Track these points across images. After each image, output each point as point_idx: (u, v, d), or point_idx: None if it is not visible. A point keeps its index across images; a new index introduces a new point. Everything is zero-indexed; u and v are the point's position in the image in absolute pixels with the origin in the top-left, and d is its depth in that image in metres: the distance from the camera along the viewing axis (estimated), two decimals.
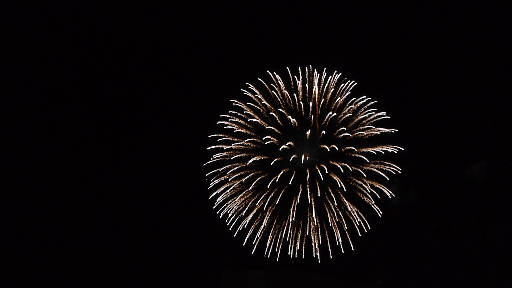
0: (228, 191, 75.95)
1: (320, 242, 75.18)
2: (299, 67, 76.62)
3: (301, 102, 75.14)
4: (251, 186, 74.64)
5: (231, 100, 76.62)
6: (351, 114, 75.01)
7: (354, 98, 75.26)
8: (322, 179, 73.90)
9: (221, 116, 75.73)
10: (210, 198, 75.30)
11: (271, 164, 74.52)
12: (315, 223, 75.06)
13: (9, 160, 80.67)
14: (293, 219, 74.71)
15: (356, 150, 74.67)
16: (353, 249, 74.59)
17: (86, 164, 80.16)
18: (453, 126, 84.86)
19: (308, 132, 74.53)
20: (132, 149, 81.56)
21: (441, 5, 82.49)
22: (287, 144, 74.54)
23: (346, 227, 74.56)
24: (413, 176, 77.75)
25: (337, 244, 74.74)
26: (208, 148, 75.14)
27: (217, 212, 75.30)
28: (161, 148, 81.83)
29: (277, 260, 75.21)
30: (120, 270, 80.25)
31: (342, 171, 73.95)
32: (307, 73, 76.37)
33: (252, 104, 76.26)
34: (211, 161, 75.47)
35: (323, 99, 74.97)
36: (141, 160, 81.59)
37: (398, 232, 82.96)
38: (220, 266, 74.87)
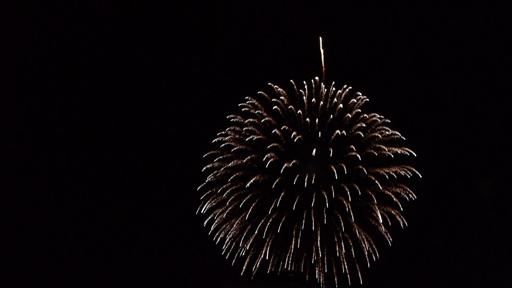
0: (224, 214, 69.37)
1: (326, 271, 68.41)
2: (305, 81, 70.95)
3: (307, 118, 68.77)
4: (249, 211, 67.94)
5: (229, 115, 70.58)
6: (361, 132, 68.60)
7: (365, 115, 69.14)
8: (328, 203, 67.15)
9: (218, 134, 69.91)
10: (205, 223, 68.95)
11: (273, 185, 67.68)
12: (320, 253, 68.06)
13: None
14: (297, 247, 67.78)
15: (366, 171, 67.96)
16: (361, 282, 68.03)
17: (82, 185, 74.91)
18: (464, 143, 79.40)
19: (314, 151, 67.90)
20: (127, 169, 76.29)
21: (455, 23, 77.98)
22: (291, 163, 67.76)
23: (354, 255, 68.20)
24: (427, 201, 71.44)
25: (343, 273, 68.29)
26: (204, 169, 69.27)
27: (213, 239, 69.17)
28: (153, 167, 75.90)
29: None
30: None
31: (351, 195, 67.23)
32: (313, 86, 70.62)
33: (253, 120, 70.05)
34: (206, 182, 69.35)
35: (331, 115, 68.69)
36: (137, 179, 76.19)
37: (408, 260, 76.62)
38: (219, 279, 68.25)
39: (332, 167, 67.48)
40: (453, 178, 76.38)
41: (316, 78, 71.02)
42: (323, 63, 74.51)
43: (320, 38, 74.87)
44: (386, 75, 76.18)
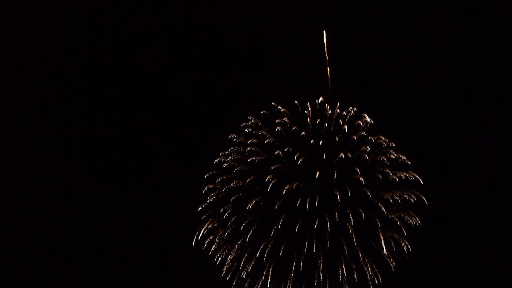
0: (225, 235, 68.26)
1: None
2: (309, 102, 69.79)
3: (311, 140, 67.53)
4: (250, 233, 66.75)
5: (231, 135, 69.45)
6: (366, 155, 67.36)
7: (370, 138, 67.84)
8: (331, 227, 65.87)
9: (220, 154, 68.75)
10: (205, 244, 67.88)
11: (275, 208, 66.47)
12: (322, 277, 66.81)
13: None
14: (299, 270, 66.46)
15: (370, 195, 66.69)
16: None
17: (82, 209, 74.21)
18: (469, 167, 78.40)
19: (318, 173, 66.67)
20: (126, 189, 75.15)
21: (464, 44, 77.21)
22: (293, 185, 66.56)
23: (356, 280, 66.79)
24: (432, 226, 70.13)
25: None
26: (205, 189, 68.18)
27: (214, 260, 68.01)
28: (154, 185, 74.94)
29: None
30: None
31: (354, 219, 66.03)
32: (318, 107, 69.44)
33: (256, 141, 68.91)
34: (207, 203, 68.32)
35: (335, 137, 67.44)
36: (136, 198, 75.17)
37: (412, 285, 75.47)
38: None
39: (336, 190, 66.40)
40: (458, 202, 75.07)
41: (321, 98, 70.15)
42: (329, 83, 73.68)
43: (326, 57, 73.99)
44: (392, 97, 74.95)
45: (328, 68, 74.23)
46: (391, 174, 67.22)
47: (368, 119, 68.41)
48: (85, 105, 77.02)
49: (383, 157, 67.63)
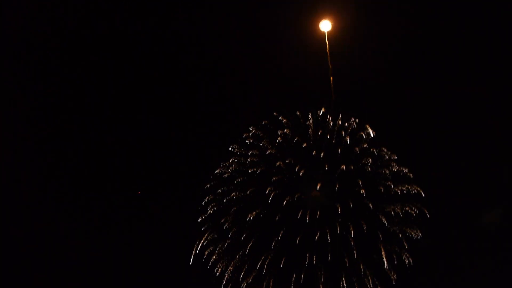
0: (225, 247, 67.72)
1: None
2: (310, 112, 69.25)
3: (313, 152, 67.01)
4: (251, 245, 66.20)
5: (232, 146, 68.92)
6: (367, 168, 66.85)
7: (373, 150, 67.32)
8: (332, 239, 65.35)
9: (221, 165, 68.21)
10: (204, 257, 67.35)
11: (275, 220, 65.95)
12: None
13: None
14: (299, 283, 65.82)
15: (371, 208, 66.18)
16: None
17: (80, 221, 73.65)
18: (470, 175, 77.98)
19: (319, 185, 66.16)
20: (126, 200, 74.72)
21: (470, 58, 76.85)
22: (294, 197, 66.05)
23: None
24: (434, 239, 69.65)
25: None
26: (205, 200, 67.63)
27: (213, 271, 67.41)
28: (153, 194, 74.57)
29: None
30: None
31: (356, 231, 65.52)
32: (319, 118, 68.93)
33: (256, 152, 68.39)
34: (207, 214, 67.80)
35: (337, 149, 66.93)
36: (137, 208, 74.64)
37: None
38: None
39: (337, 202, 65.91)
40: (460, 215, 74.51)
41: (323, 109, 69.64)
42: (332, 93, 73.15)
43: (330, 66, 73.40)
44: (395, 109, 74.52)
45: (332, 78, 73.59)
46: (392, 187, 66.82)
47: (370, 131, 67.97)
48: (84, 119, 76.70)
49: (385, 170, 67.18)
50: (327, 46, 70.74)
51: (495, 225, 77.95)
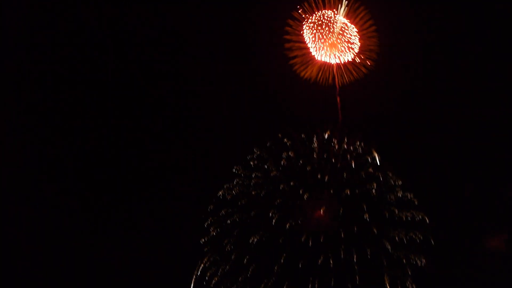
0: (226, 268, 67.17)
1: None
2: (315, 135, 69.04)
3: (317, 175, 66.67)
4: (253, 268, 65.64)
5: (235, 168, 68.66)
6: (372, 193, 66.41)
7: (378, 174, 66.92)
8: (335, 264, 64.77)
9: (225, 186, 67.82)
10: (206, 279, 66.73)
11: (278, 243, 65.44)
12: None
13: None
14: None
15: (375, 233, 65.67)
16: None
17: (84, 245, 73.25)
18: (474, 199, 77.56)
19: (323, 209, 65.72)
20: (129, 221, 74.25)
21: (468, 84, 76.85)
22: (297, 221, 65.58)
23: None
24: (438, 265, 69.02)
25: None
26: (208, 221, 67.27)
27: None
28: (157, 214, 74.05)
29: None
30: None
31: (359, 257, 64.97)
32: (325, 141, 68.61)
33: (260, 174, 68.09)
34: (210, 236, 67.41)
35: (343, 173, 66.56)
36: (137, 230, 74.16)
37: None
38: None
39: (341, 226, 65.44)
40: (464, 241, 73.92)
41: (328, 132, 69.43)
42: (339, 113, 73.03)
43: (337, 87, 73.34)
44: (401, 133, 74.27)
45: (338, 98, 73.61)
46: (397, 212, 66.37)
47: (376, 156, 67.66)
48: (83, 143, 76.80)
49: (390, 195, 66.78)
50: (335, 70, 71.27)
51: (500, 251, 77.39)
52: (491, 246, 77.99)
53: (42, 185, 74.87)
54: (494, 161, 77.52)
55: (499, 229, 78.70)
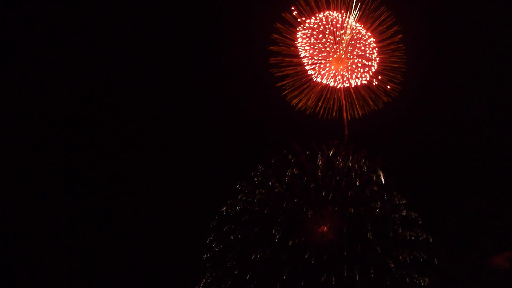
0: (228, 284, 66.66)
1: None
2: (320, 152, 68.73)
3: (322, 192, 66.27)
4: (254, 286, 65.11)
5: (239, 184, 68.24)
6: (376, 211, 65.97)
7: (382, 193, 66.55)
8: (339, 282, 64.25)
9: (228, 202, 67.44)
10: None
11: (281, 261, 65.00)
12: None
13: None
14: None
15: (379, 252, 65.22)
16: None
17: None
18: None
19: (326, 227, 65.38)
20: (130, 239, 73.86)
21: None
22: (300, 238, 65.17)
23: None
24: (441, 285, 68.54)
25: None
26: (211, 237, 66.87)
27: None
28: (155, 233, 73.51)
29: None
30: None
31: (362, 275, 64.47)
32: (329, 158, 68.29)
33: (264, 191, 67.72)
34: (212, 252, 66.96)
35: (347, 192, 66.19)
36: (140, 246, 73.80)
37: None
38: None
39: (345, 245, 65.04)
40: (469, 260, 73.44)
41: (333, 149, 69.07)
42: (345, 128, 72.48)
43: (344, 102, 72.62)
44: (407, 153, 74.06)
45: (345, 113, 71.98)
46: (401, 231, 65.90)
47: (381, 174, 67.20)
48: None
49: (394, 214, 66.35)
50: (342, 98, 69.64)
51: (505, 269, 76.90)
52: (495, 264, 77.57)
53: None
54: (498, 182, 77.28)
55: (503, 247, 78.35)
